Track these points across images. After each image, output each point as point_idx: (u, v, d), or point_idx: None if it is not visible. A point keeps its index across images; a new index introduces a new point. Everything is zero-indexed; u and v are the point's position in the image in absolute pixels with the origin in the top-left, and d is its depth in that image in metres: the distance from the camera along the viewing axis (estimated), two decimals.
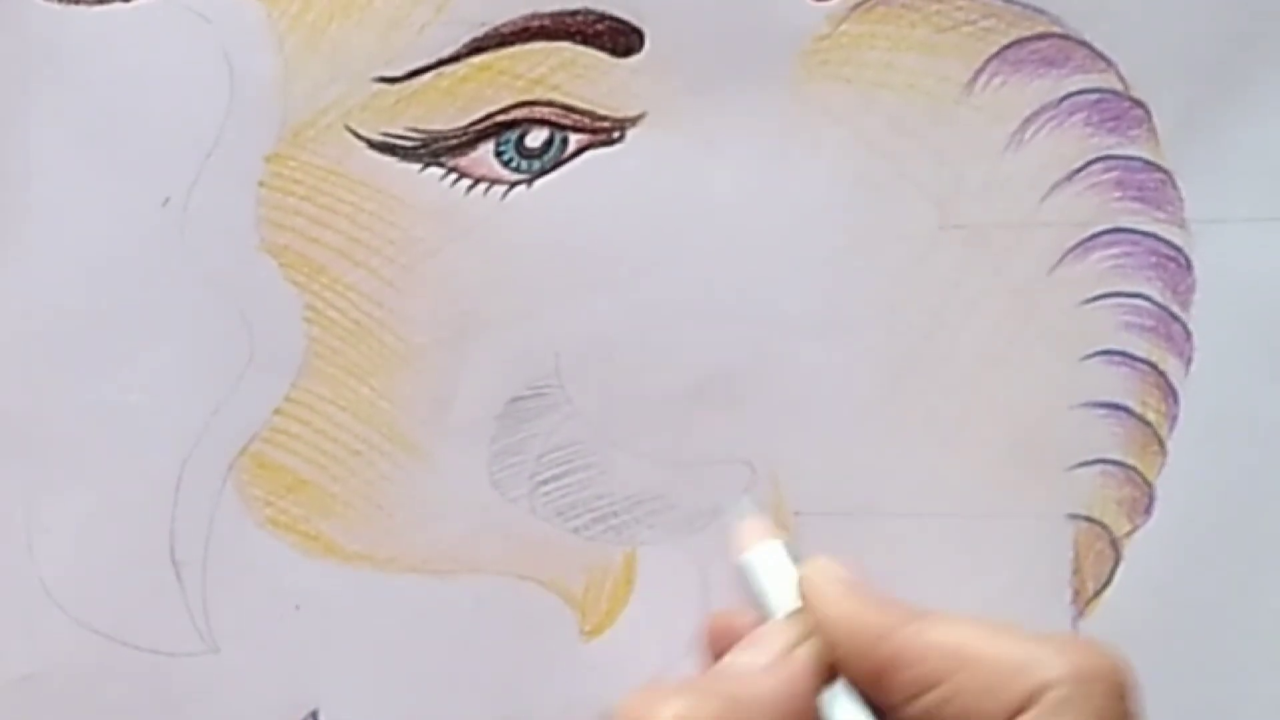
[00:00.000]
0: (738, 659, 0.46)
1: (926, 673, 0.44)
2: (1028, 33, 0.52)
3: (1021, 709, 0.42)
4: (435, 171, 0.52)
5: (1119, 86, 0.52)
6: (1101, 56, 0.52)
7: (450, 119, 0.52)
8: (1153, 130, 0.52)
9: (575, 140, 0.52)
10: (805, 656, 0.46)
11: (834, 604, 0.46)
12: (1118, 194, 0.52)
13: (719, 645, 0.48)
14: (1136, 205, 0.52)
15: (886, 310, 0.52)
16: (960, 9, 0.52)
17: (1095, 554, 0.53)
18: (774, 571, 0.48)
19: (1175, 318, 0.53)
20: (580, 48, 0.51)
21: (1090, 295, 0.52)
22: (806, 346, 0.52)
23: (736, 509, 0.49)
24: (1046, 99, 0.52)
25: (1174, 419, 0.53)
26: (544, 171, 0.52)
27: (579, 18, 0.51)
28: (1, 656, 0.53)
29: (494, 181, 0.52)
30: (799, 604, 0.46)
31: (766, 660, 0.46)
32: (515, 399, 0.52)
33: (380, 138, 0.52)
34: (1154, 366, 0.53)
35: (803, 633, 0.46)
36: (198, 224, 0.52)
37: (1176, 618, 0.53)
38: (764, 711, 0.45)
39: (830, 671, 0.45)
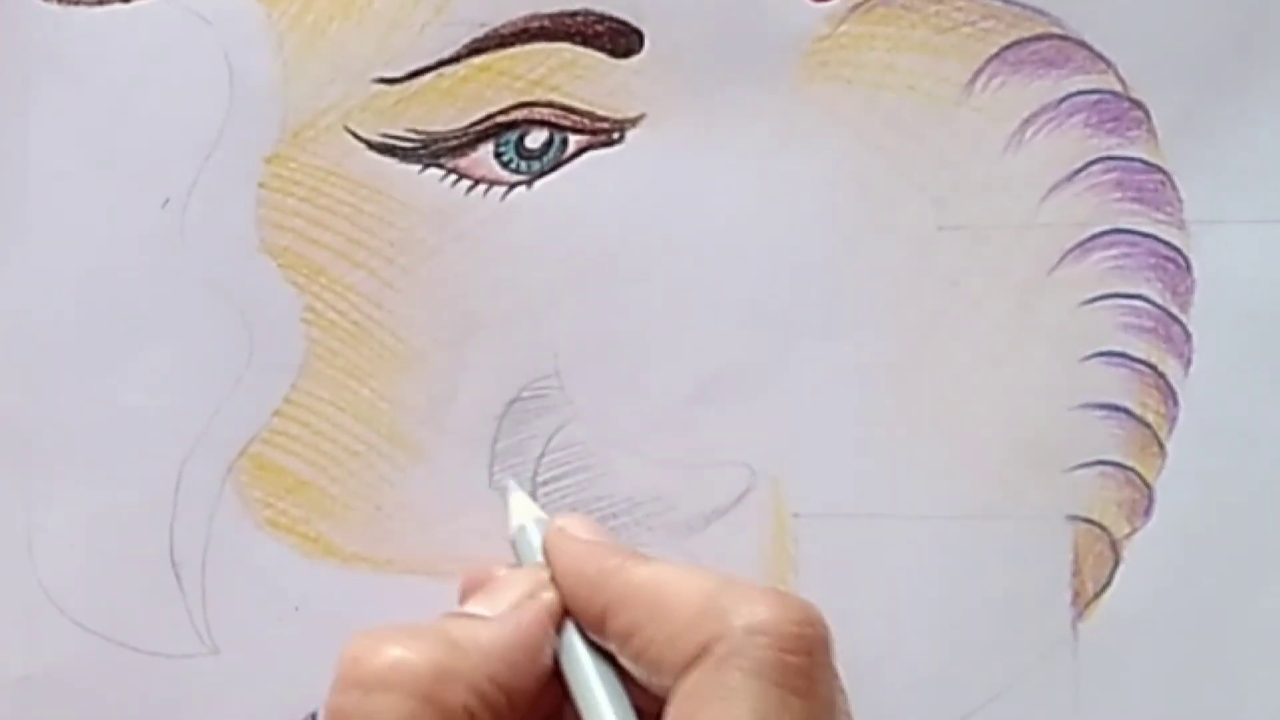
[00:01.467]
0: (470, 606, 0.47)
1: (631, 619, 0.44)
2: (1027, 34, 0.52)
3: (696, 658, 0.42)
4: (435, 172, 0.52)
5: (1118, 87, 0.52)
6: (1101, 57, 0.52)
7: (450, 120, 0.52)
8: (1152, 131, 0.52)
9: (575, 141, 0.52)
10: (535, 606, 0.46)
11: (565, 555, 0.47)
12: (1117, 195, 0.52)
13: (467, 598, 0.49)
14: (1136, 206, 0.52)
15: (885, 311, 0.52)
16: (960, 10, 0.52)
17: (1095, 556, 0.53)
18: (531, 540, 0.49)
19: (1174, 319, 0.52)
20: (580, 49, 0.52)
21: (1089, 296, 0.52)
22: (806, 347, 0.52)
23: (504, 485, 0.51)
24: (1046, 100, 0.52)
25: (1173, 421, 0.53)
26: (544, 172, 0.52)
27: (579, 19, 0.51)
28: (1, 657, 0.53)
29: (494, 182, 0.52)
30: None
31: (499, 609, 0.46)
32: (515, 400, 0.52)
33: (380, 139, 0.52)
34: (1153, 368, 0.53)
35: (538, 584, 0.47)
36: (197, 225, 0.52)
37: (1176, 619, 0.53)
38: (484, 657, 0.45)
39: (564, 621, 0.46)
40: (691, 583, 0.44)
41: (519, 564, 0.49)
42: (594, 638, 0.45)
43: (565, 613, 0.46)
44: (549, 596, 0.46)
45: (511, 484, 0.51)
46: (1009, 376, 0.53)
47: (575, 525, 0.48)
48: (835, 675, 0.44)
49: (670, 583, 0.44)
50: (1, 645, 0.53)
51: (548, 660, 0.45)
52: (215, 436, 0.52)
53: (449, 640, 0.45)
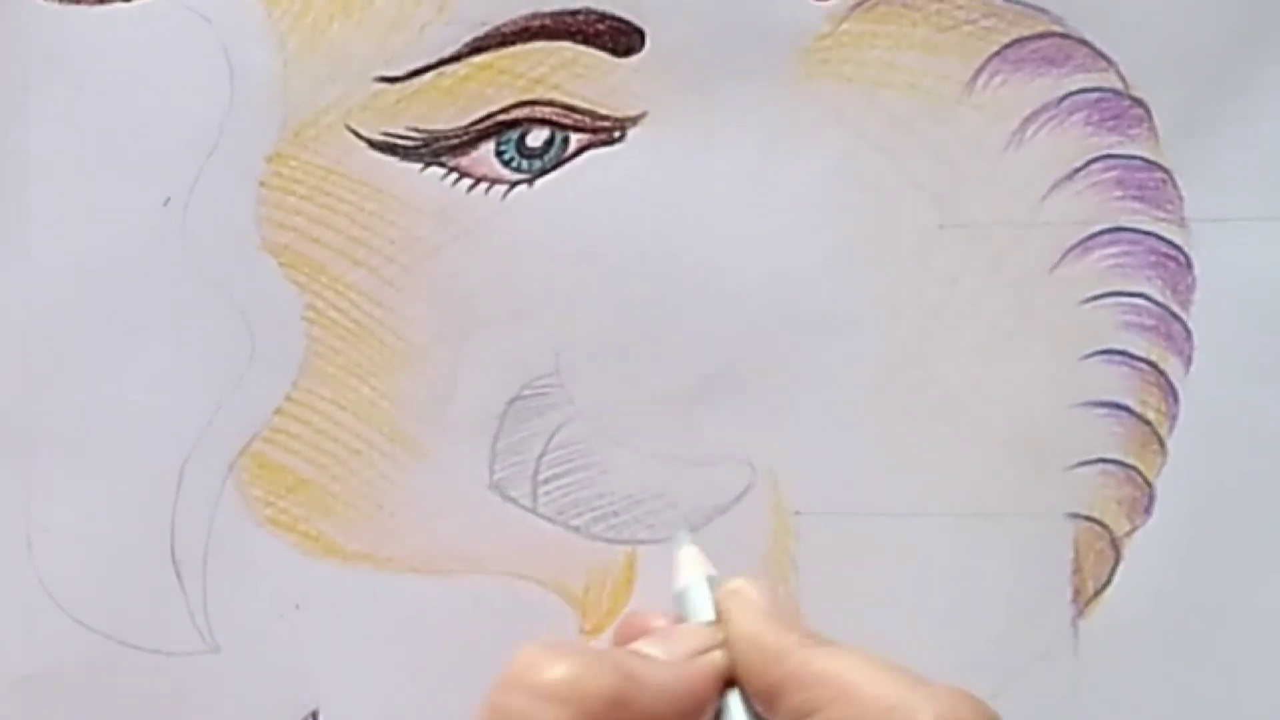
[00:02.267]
0: (644, 647, 0.47)
1: (809, 699, 0.44)
2: (1028, 32, 0.52)
3: None
4: (436, 171, 0.52)
5: (1119, 85, 0.52)
6: (1102, 55, 0.52)
7: (451, 118, 0.52)
8: (1153, 129, 0.52)
9: (576, 140, 0.52)
10: (709, 661, 0.47)
11: (742, 621, 0.47)
12: (1118, 193, 0.52)
13: (626, 640, 0.49)
14: (1136, 204, 0.52)
15: (886, 309, 0.52)
16: (961, 8, 0.52)
17: (1095, 553, 0.53)
18: (702, 597, 0.49)
19: (1175, 317, 0.53)
20: (581, 47, 0.52)
21: (1090, 294, 0.52)
22: (806, 345, 0.52)
23: (676, 539, 0.50)
24: (1047, 98, 0.52)
25: (1174, 418, 0.53)
26: (545, 171, 0.52)
27: (580, 17, 0.51)
28: (1, 656, 0.53)
29: (495, 181, 0.52)
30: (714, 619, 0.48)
31: (671, 656, 0.46)
32: (515, 398, 0.52)
33: (381, 137, 0.52)
34: (1154, 366, 0.53)
35: (711, 642, 0.47)
36: (198, 223, 0.52)
37: (1176, 617, 0.53)
38: (656, 697, 0.45)
39: (730, 684, 0.46)
40: (883, 675, 0.44)
41: (684, 618, 0.49)
42: (759, 709, 0.46)
43: (733, 679, 0.46)
44: (721, 657, 0.47)
45: (683, 536, 0.51)
46: (1010, 374, 0.53)
47: (750, 589, 0.48)
48: None
49: (857, 670, 0.45)
50: (2, 643, 0.53)
51: (709, 717, 0.46)
52: (216, 435, 0.52)
53: (627, 671, 0.45)
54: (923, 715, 0.43)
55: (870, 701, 0.44)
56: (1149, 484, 0.53)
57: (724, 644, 0.47)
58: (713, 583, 0.49)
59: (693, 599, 0.49)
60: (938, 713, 0.43)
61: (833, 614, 0.52)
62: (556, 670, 0.44)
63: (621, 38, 0.52)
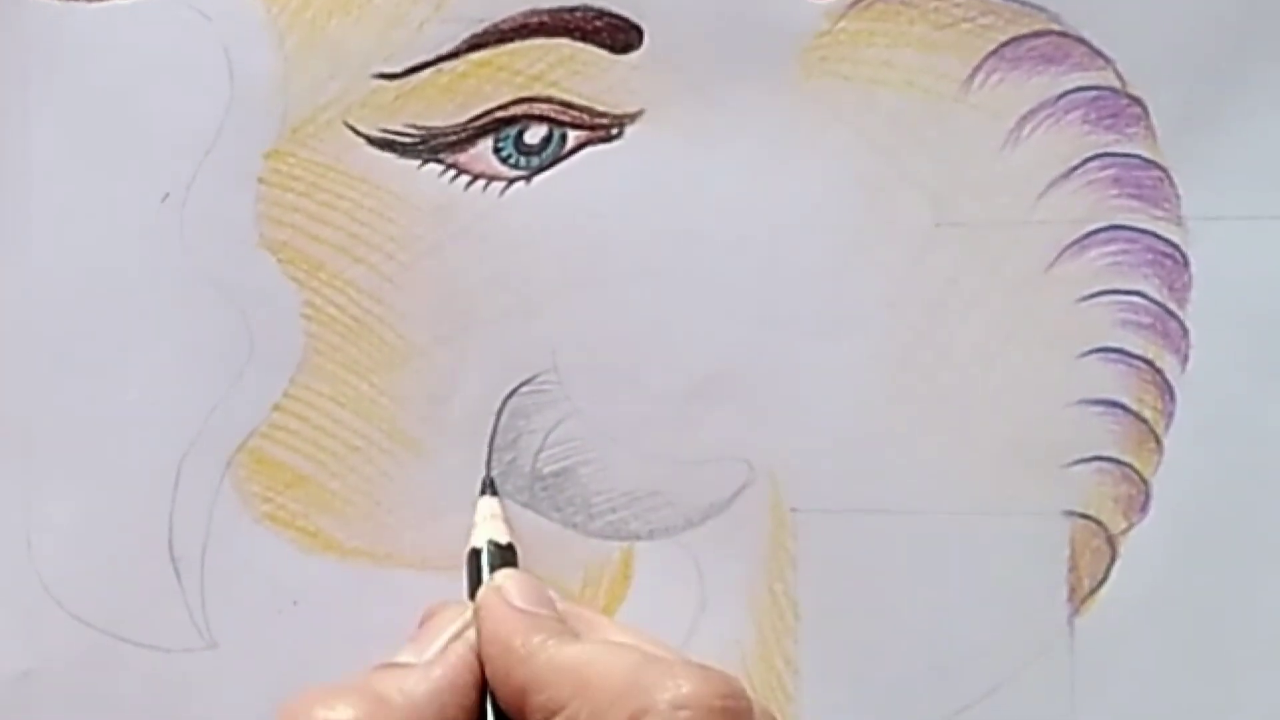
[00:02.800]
0: (400, 655, 0.48)
1: (552, 697, 0.45)
2: (1025, 30, 0.52)
3: None
4: (434, 168, 0.52)
5: (1116, 84, 0.52)
6: (1099, 54, 0.52)
7: (449, 115, 0.52)
8: (1150, 128, 0.52)
9: (574, 137, 0.52)
10: (460, 649, 0.47)
11: (492, 623, 0.48)
12: (1115, 191, 0.52)
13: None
14: (1134, 203, 0.52)
15: (884, 307, 0.52)
16: (958, 6, 0.52)
17: (1091, 551, 0.53)
18: (484, 569, 0.50)
19: (1172, 315, 0.53)
20: (579, 44, 0.52)
21: (1087, 292, 0.52)
22: (804, 343, 0.52)
23: (484, 485, 0.52)
24: (1044, 96, 0.52)
25: (1170, 416, 0.53)
26: (543, 168, 0.52)
27: (578, 14, 0.51)
28: (0, 652, 0.53)
29: (493, 178, 0.52)
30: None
31: (427, 655, 0.47)
32: (513, 395, 0.53)
33: (379, 134, 0.52)
34: (1150, 364, 0.53)
35: (465, 624, 0.48)
36: (197, 220, 0.52)
37: (1173, 615, 0.53)
38: (412, 707, 0.46)
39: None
40: (615, 660, 0.45)
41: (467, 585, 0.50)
42: (510, 714, 0.46)
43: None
44: (474, 636, 0.47)
45: (487, 490, 0.52)
46: (1006, 372, 0.53)
47: (514, 586, 0.49)
48: None
49: (594, 661, 0.45)
50: (1, 640, 0.53)
51: (476, 695, 0.47)
52: (214, 431, 0.52)
53: (375, 695, 0.46)
54: (659, 693, 0.43)
55: (606, 688, 0.44)
56: (1145, 482, 0.53)
57: (473, 623, 0.48)
58: (496, 553, 0.50)
59: (470, 569, 0.50)
60: (675, 693, 0.43)
61: (830, 611, 0.53)
62: (316, 715, 0.45)
63: (619, 35, 0.52)
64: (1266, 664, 0.53)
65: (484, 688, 0.47)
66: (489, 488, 0.52)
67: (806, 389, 0.52)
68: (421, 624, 0.51)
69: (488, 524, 0.52)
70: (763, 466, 0.53)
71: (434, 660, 0.47)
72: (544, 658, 0.46)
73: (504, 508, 0.52)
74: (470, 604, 0.49)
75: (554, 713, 0.45)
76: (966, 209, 0.52)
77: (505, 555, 0.51)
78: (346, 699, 0.45)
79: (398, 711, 0.45)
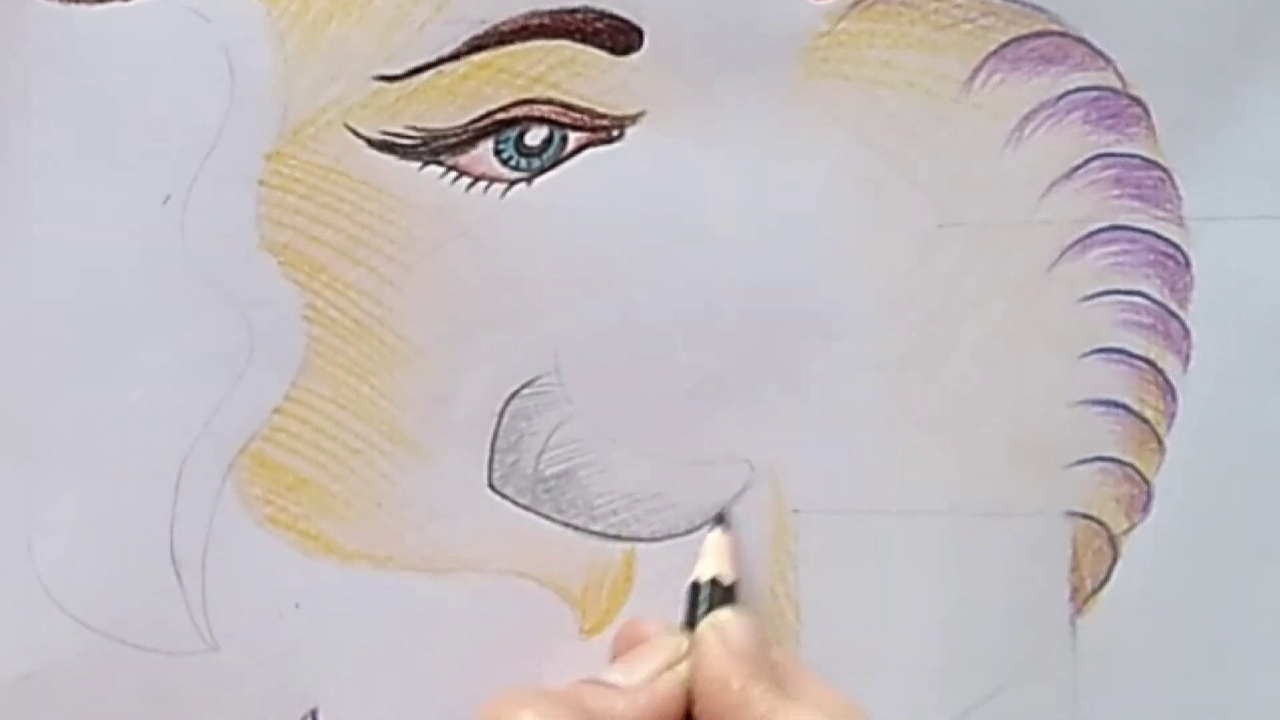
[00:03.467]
0: (610, 674, 0.48)
1: None
2: (1026, 30, 0.52)
3: None
4: (435, 170, 0.52)
5: (1117, 84, 0.52)
6: (1100, 54, 0.52)
7: (450, 117, 0.52)
8: (1151, 128, 0.52)
9: (575, 138, 0.52)
10: (671, 680, 0.48)
11: (711, 659, 0.48)
12: (1116, 191, 0.52)
13: (625, 646, 0.50)
14: (1135, 203, 0.52)
15: (885, 308, 0.52)
16: (959, 7, 0.52)
17: (1093, 552, 0.53)
18: (702, 603, 0.50)
19: (1173, 315, 0.53)
20: (580, 46, 0.52)
21: (1089, 293, 0.53)
22: (806, 344, 0.52)
23: (714, 528, 0.51)
24: (1045, 96, 0.52)
25: (1172, 417, 0.53)
26: (543, 170, 0.52)
27: (579, 16, 0.51)
28: (1, 655, 0.53)
29: (493, 180, 0.52)
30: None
31: (636, 679, 0.47)
32: (514, 397, 0.53)
33: (380, 136, 0.52)
34: (1152, 364, 0.53)
35: (678, 655, 0.48)
36: (198, 222, 0.52)
37: (1175, 615, 0.53)
38: None
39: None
40: None
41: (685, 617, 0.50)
42: None
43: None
44: (684, 672, 0.48)
45: (718, 529, 0.52)
46: (1008, 373, 0.53)
47: (735, 627, 0.49)
48: None
49: None
50: (1, 642, 0.53)
51: None
52: (216, 434, 0.52)
53: (585, 711, 0.45)
54: None
55: None
56: (1147, 482, 0.53)
57: (687, 657, 0.48)
58: (717, 589, 0.50)
59: (689, 602, 0.50)
60: None
61: (832, 611, 0.53)
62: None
63: (620, 36, 0.52)
64: (1268, 663, 0.53)
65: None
66: (722, 521, 0.52)
67: (808, 390, 0.53)
68: (620, 639, 0.51)
69: (715, 558, 0.52)
70: (764, 467, 0.53)
71: (643, 687, 0.47)
72: (761, 710, 0.46)
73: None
74: (682, 636, 0.50)
75: None
76: (968, 209, 0.52)
77: (726, 594, 0.51)
78: (559, 709, 0.45)
79: None
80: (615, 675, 0.48)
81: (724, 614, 0.50)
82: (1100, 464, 0.53)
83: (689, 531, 0.53)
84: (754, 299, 0.52)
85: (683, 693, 0.48)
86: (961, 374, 0.53)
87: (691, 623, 0.50)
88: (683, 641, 0.49)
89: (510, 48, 0.51)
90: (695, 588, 0.51)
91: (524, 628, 0.53)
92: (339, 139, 0.52)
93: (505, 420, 0.53)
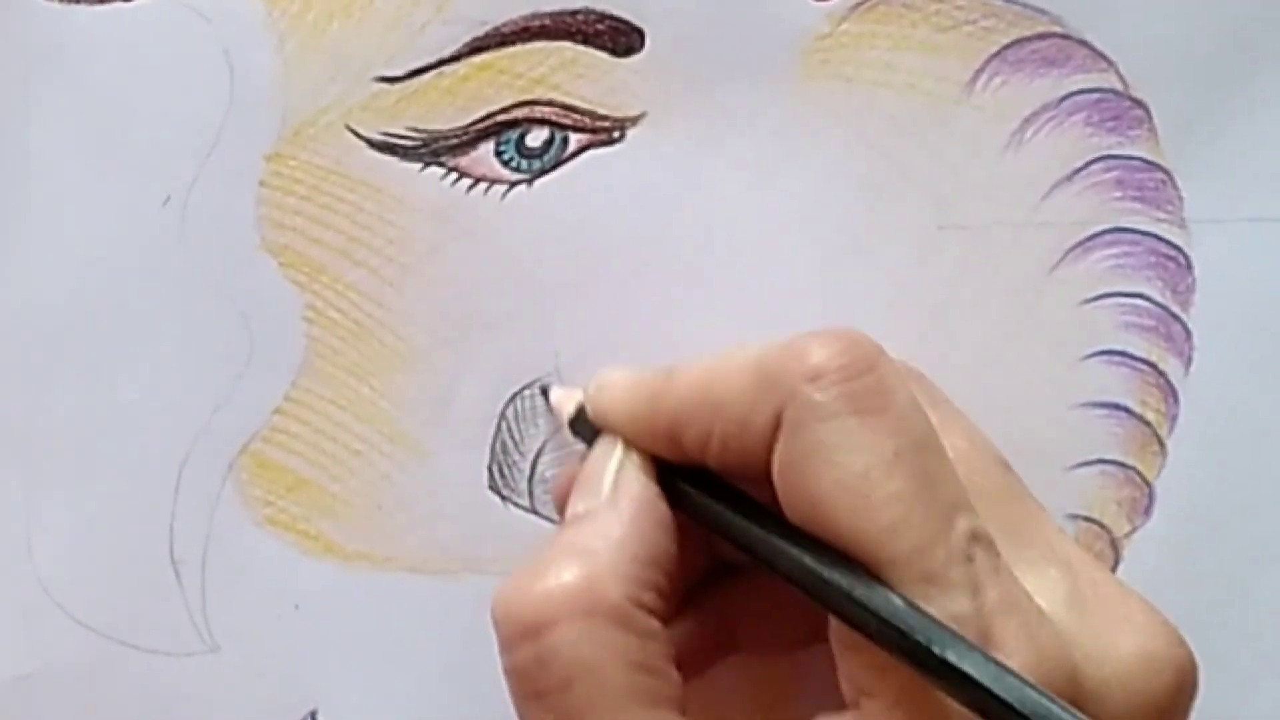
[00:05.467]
0: (577, 504, 0.47)
1: (699, 428, 0.45)
2: (1028, 32, 0.52)
3: (775, 433, 0.43)
4: (435, 171, 0.52)
5: (1119, 86, 0.52)
6: (1102, 56, 0.52)
7: (450, 118, 0.52)
8: (1153, 130, 0.52)
9: (576, 140, 0.52)
10: (631, 471, 0.47)
11: (613, 405, 0.48)
12: (1118, 194, 0.52)
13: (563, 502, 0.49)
14: (1136, 205, 0.52)
15: (886, 310, 0.52)
16: (960, 8, 0.52)
17: (1095, 554, 0.53)
18: (585, 414, 0.50)
19: (1175, 317, 0.53)
20: (581, 47, 0.52)
21: (1090, 295, 0.52)
22: None
23: (546, 388, 0.52)
24: (1047, 99, 0.52)
25: (1174, 419, 0.53)
26: (544, 171, 0.52)
27: (580, 17, 0.51)
28: (0, 655, 0.53)
29: (494, 181, 0.52)
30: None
31: (602, 494, 0.46)
32: (515, 398, 0.52)
33: (381, 137, 0.52)
34: (1154, 366, 0.53)
35: (618, 453, 0.47)
36: (198, 223, 0.52)
37: (1176, 618, 0.53)
38: (618, 544, 0.45)
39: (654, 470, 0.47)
40: (734, 365, 0.44)
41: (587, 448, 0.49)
42: (683, 465, 0.46)
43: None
44: (636, 455, 0.47)
45: (551, 386, 0.52)
46: (1009, 375, 0.53)
47: (609, 377, 0.49)
48: (902, 375, 0.44)
49: (715, 377, 0.45)
50: (1, 643, 0.53)
51: (664, 505, 0.46)
52: (215, 434, 0.52)
53: (579, 549, 0.44)
54: (787, 377, 0.43)
55: (736, 398, 0.44)
56: (1148, 485, 0.53)
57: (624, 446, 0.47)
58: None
59: (580, 426, 0.50)
60: (800, 367, 0.43)
61: None
62: (530, 601, 0.43)
63: (621, 38, 0.52)
64: (1270, 666, 0.53)
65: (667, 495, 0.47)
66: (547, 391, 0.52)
67: None
68: (558, 499, 0.50)
69: (565, 397, 0.51)
70: None
71: (612, 494, 0.46)
72: (671, 399, 0.46)
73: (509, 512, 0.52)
74: (608, 439, 0.48)
75: (707, 443, 0.45)
76: (969, 211, 0.52)
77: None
78: (556, 563, 0.44)
79: (608, 554, 0.44)
80: (582, 504, 0.47)
81: (595, 379, 0.49)
82: (1101, 466, 0.53)
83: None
84: (754, 301, 0.52)
85: (647, 476, 0.47)
86: (962, 376, 0.52)
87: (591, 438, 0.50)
88: (612, 440, 0.48)
89: (511, 49, 0.51)
90: (575, 417, 0.50)
91: None
92: (339, 140, 0.52)
93: (506, 421, 0.53)
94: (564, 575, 0.43)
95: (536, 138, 0.52)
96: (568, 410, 0.50)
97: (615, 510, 0.46)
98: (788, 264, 0.52)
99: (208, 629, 0.53)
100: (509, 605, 0.44)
